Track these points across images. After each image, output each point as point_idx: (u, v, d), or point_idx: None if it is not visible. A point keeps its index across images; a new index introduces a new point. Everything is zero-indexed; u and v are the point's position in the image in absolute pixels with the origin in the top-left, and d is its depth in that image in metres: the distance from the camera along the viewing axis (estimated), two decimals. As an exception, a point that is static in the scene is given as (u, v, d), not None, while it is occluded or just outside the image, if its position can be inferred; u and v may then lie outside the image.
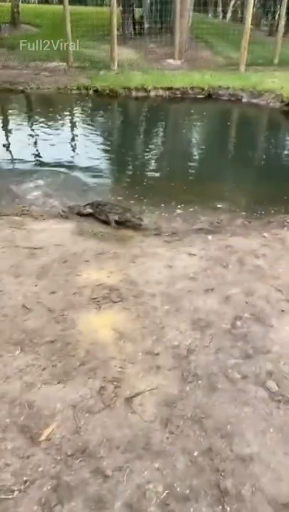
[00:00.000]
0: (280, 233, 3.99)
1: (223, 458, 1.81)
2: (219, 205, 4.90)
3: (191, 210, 4.75)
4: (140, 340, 2.48)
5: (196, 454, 1.82)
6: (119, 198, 5.01)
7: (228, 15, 28.65)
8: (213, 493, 1.67)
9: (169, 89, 10.16)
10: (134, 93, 10.05)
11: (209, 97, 10.20)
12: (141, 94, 10.08)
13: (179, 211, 4.75)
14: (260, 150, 7.60)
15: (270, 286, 3.06)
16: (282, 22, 13.24)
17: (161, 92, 10.15)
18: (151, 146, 7.31)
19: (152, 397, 2.09)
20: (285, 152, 7.56)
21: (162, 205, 4.84)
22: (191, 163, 6.43)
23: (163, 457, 1.79)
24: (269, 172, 6.46)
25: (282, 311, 2.80)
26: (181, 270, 3.23)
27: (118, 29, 13.09)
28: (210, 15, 26.62)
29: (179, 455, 1.81)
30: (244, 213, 4.68)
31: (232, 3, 28.85)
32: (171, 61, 12.64)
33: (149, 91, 10.10)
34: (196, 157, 6.86)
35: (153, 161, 6.50)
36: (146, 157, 6.72)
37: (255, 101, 9.91)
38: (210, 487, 1.69)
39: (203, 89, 10.20)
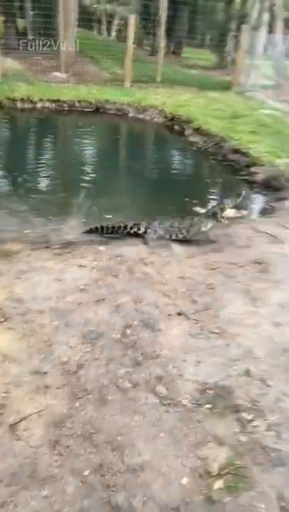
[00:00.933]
0: (165, 242, 4.13)
1: (114, 472, 1.77)
2: (109, 216, 4.93)
3: (83, 221, 4.71)
4: (26, 360, 2.34)
5: (86, 473, 1.76)
6: (5, 210, 4.75)
7: (113, 33, 29.56)
8: (105, 511, 1.61)
9: (56, 101, 10.03)
10: (19, 104, 9.72)
11: (97, 110, 10.31)
12: (27, 105, 9.79)
13: (70, 223, 4.67)
14: (146, 162, 7.89)
15: (157, 291, 3.14)
16: (161, 43, 14.04)
17: (48, 104, 9.98)
18: (38, 159, 7.11)
19: (40, 420, 1.97)
20: (170, 164, 7.95)
21: (51, 217, 4.71)
22: (79, 176, 6.38)
23: (51, 483, 1.69)
24: (155, 183, 6.73)
25: (170, 315, 2.89)
26: (71, 283, 3.15)
27: (1, 39, 12.56)
28: (95, 31, 27.19)
29: (68, 477, 1.72)
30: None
31: (116, 22, 29.85)
32: (57, 74, 12.52)
33: (36, 102, 9.86)
34: (85, 169, 6.84)
35: (40, 174, 6.31)
36: (33, 169, 6.51)
37: (140, 116, 10.29)
38: (101, 506, 1.63)
39: (90, 103, 10.28)
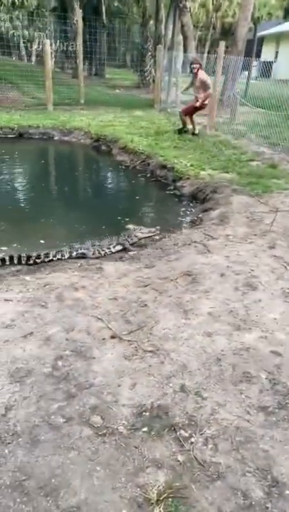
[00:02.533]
0: (97, 263, 4.10)
1: (48, 519, 1.66)
2: (41, 241, 4.81)
3: (10, 249, 4.55)
4: None
5: (17, 526, 1.63)
6: None
7: (33, 58, 29.50)
8: None
9: (-24, 129, 9.77)
10: None
11: (20, 136, 10.16)
12: None
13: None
14: (75, 184, 7.86)
15: (90, 316, 3.07)
16: (81, 66, 14.23)
17: None
18: None
19: None
20: (99, 184, 7.98)
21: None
22: (5, 204, 6.19)
23: None
24: (86, 204, 6.71)
25: (103, 339, 2.83)
26: (-4, 319, 2.99)
27: None
28: (14, 57, 26.97)
29: (-3, 535, 1.59)
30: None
31: (34, 47, 29.84)
32: (-24, 102, 12.23)
33: None
34: (11, 197, 6.65)
35: None
36: None
37: (66, 138, 10.28)
38: None
39: (12, 129, 10.11)
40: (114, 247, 4.62)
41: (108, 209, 6.37)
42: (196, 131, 10.05)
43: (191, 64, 9.85)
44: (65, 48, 23.49)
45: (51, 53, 12.69)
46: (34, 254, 4.24)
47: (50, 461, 1.91)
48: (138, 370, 2.56)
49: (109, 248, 4.58)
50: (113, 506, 1.73)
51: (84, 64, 15.52)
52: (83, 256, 4.41)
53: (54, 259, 4.32)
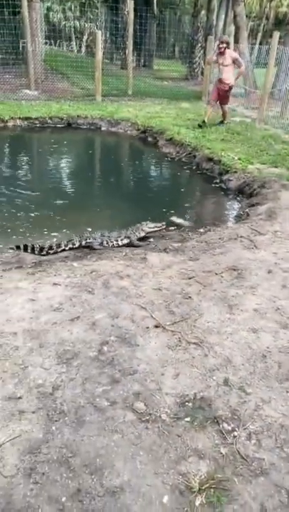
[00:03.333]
0: (141, 253, 4.12)
1: (92, 496, 1.72)
2: (88, 229, 4.90)
3: (60, 237, 4.67)
4: (0, 385, 2.27)
5: (64, 499, 1.70)
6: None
7: (83, 49, 29.85)
8: (83, 538, 1.56)
9: (27, 119, 10.02)
10: (-11, 124, 9.68)
11: (69, 126, 10.34)
12: (-2, 124, 9.76)
13: (44, 240, 4.63)
14: (121, 174, 7.92)
15: (134, 305, 3.10)
16: (130, 57, 14.23)
17: (19, 122, 9.96)
18: (10, 176, 7.03)
19: (14, 448, 1.90)
20: (145, 175, 7.99)
21: (26, 235, 4.66)
22: (55, 192, 6.35)
23: (26, 514, 1.63)
24: (131, 195, 6.75)
25: (147, 327, 2.86)
26: (45, 302, 3.08)
27: None
28: (65, 48, 27.38)
29: (45, 506, 1.66)
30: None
31: (85, 38, 30.16)
32: (27, 91, 12.53)
33: (6, 121, 9.82)
34: (60, 185, 6.80)
35: (14, 192, 6.23)
36: (6, 188, 6.44)
37: (113, 129, 10.35)
38: (79, 533, 1.57)
39: (62, 119, 10.31)
40: (121, 240, 4.64)
41: (153, 200, 6.39)
42: (226, 121, 9.92)
43: (219, 42, 9.21)
44: (114, 39, 23.64)
45: (101, 44, 12.75)
46: (47, 245, 4.31)
47: (95, 442, 1.97)
48: (181, 360, 2.57)
49: (116, 240, 4.61)
50: (155, 490, 1.76)
51: (133, 55, 15.53)
52: (90, 246, 4.48)
53: (66, 248, 4.38)
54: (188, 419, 2.14)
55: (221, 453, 1.96)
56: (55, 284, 3.35)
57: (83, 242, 4.50)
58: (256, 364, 2.55)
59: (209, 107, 9.75)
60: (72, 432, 2.01)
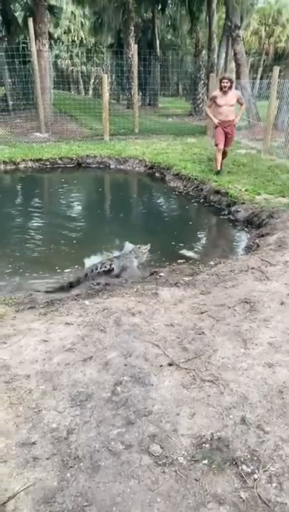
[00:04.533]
0: (153, 288, 4.13)
1: None
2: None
3: (70, 275, 4.73)
4: (14, 431, 2.25)
5: None
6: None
7: (90, 91, 31.13)
8: None
9: (38, 160, 10.38)
10: (2, 167, 10.03)
11: (79, 165, 10.66)
12: (9, 167, 10.11)
13: (55, 279, 4.69)
14: (131, 210, 8.06)
15: (147, 342, 3.09)
16: (136, 97, 14.80)
17: (30, 164, 10.31)
18: (22, 215, 7.22)
19: (28, 497, 1.86)
20: (154, 209, 8.11)
21: (37, 274, 4.73)
22: (67, 230, 6.47)
23: None
24: (141, 229, 6.83)
25: (161, 366, 2.83)
26: (58, 343, 3.09)
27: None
28: (73, 92, 28.65)
29: None
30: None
31: (92, 81, 31.53)
32: (38, 134, 13.03)
33: (18, 163, 10.18)
34: (71, 223, 6.93)
35: (26, 231, 6.38)
36: (18, 227, 6.59)
37: (122, 167, 10.62)
38: None
39: (71, 159, 10.64)
40: (100, 268, 4.75)
41: (162, 234, 6.45)
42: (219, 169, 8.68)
43: (221, 81, 8.14)
44: (120, 80, 24.64)
45: (108, 86, 13.30)
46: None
47: (111, 488, 1.92)
48: (197, 399, 2.52)
49: (97, 269, 4.71)
50: None
51: (138, 95, 16.13)
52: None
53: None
54: (205, 461, 2.08)
55: (242, 498, 1.89)
56: (67, 323, 3.36)
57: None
58: (273, 400, 2.48)
59: (218, 154, 8.56)
60: (88, 479, 1.97)
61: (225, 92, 8.07)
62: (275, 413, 2.38)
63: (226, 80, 8.06)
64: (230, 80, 8.20)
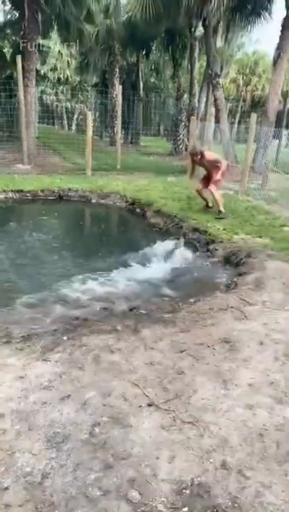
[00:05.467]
0: (132, 324, 4.11)
1: None
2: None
3: (45, 310, 4.64)
4: (-15, 475, 2.13)
5: None
6: None
7: (73, 127, 31.83)
8: None
9: (20, 191, 10.38)
10: (-18, 196, 9.99)
11: (60, 198, 10.71)
12: (-10, 197, 10.07)
13: (31, 313, 4.59)
14: (111, 245, 8.09)
15: (126, 381, 3.03)
16: (119, 135, 15.23)
17: (11, 195, 10.29)
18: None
19: None
20: (133, 244, 8.16)
21: (11, 308, 4.63)
22: (43, 263, 6.41)
23: None
24: (119, 264, 6.84)
25: (140, 406, 2.77)
26: (34, 380, 3.00)
27: None
28: (56, 126, 29.23)
29: None
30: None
31: (76, 117, 32.30)
32: (20, 166, 13.11)
33: (-1, 194, 10.17)
34: (48, 255, 6.88)
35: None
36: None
37: (103, 201, 10.74)
38: None
39: (53, 192, 10.70)
40: None
41: (142, 270, 6.47)
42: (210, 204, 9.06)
43: (191, 155, 8.88)
44: (103, 119, 25.36)
45: (91, 123, 13.67)
46: None
47: (87, 539, 1.83)
48: (176, 441, 2.47)
49: None
50: None
51: (121, 133, 16.58)
52: None
53: None
54: (186, 509, 2.02)
55: None
56: (44, 360, 3.28)
57: None
58: (254, 444, 2.46)
59: (218, 195, 8.78)
60: (63, 529, 1.87)
61: (198, 162, 8.84)
62: (256, 457, 2.35)
63: (195, 156, 8.82)
64: (198, 153, 8.78)
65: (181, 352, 3.52)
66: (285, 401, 2.86)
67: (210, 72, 16.86)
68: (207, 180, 8.89)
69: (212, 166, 8.69)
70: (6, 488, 2.06)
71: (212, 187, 8.72)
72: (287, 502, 2.07)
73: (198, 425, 2.60)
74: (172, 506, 2.03)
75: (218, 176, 8.64)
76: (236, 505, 2.05)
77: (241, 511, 2.01)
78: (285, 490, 2.15)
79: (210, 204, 9.09)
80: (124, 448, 2.38)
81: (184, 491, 2.13)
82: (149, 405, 2.78)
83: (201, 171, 9.36)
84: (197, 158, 8.75)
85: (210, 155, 8.95)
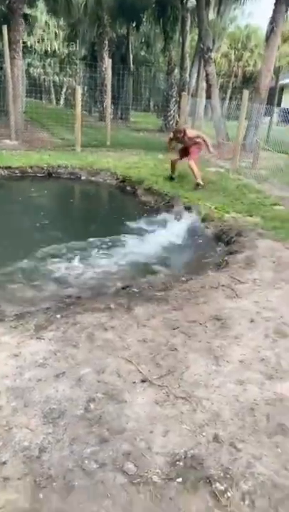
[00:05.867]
0: (125, 303, 4.14)
1: None
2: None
3: (39, 287, 4.65)
4: (-17, 450, 2.17)
5: None
6: None
7: (61, 101, 31.06)
8: None
9: (7, 168, 10.19)
10: None
11: (49, 175, 10.55)
12: (-23, 173, 9.88)
13: (23, 291, 4.59)
14: (102, 222, 8.05)
15: (120, 358, 3.08)
16: (108, 110, 14.93)
17: (-1, 171, 10.12)
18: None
19: (-1, 520, 1.80)
20: (123, 222, 8.14)
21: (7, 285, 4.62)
22: (33, 241, 6.37)
23: None
24: (113, 241, 6.82)
25: (134, 382, 2.83)
26: (29, 358, 3.03)
27: None
28: (44, 101, 28.52)
29: None
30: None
31: (64, 91, 31.49)
32: (7, 141, 12.83)
33: (-14, 170, 9.97)
34: (38, 234, 6.83)
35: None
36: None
37: (93, 178, 10.62)
38: None
39: (42, 168, 10.53)
40: None
41: (133, 248, 6.47)
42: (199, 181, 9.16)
43: (175, 133, 9.17)
44: (92, 93, 24.76)
45: (80, 98, 13.33)
46: None
47: (85, 509, 1.89)
48: (170, 416, 2.53)
49: None
50: None
51: (110, 108, 16.25)
52: None
53: None
54: (180, 480, 2.09)
55: (216, 516, 1.91)
56: (38, 338, 3.30)
57: None
58: (245, 418, 2.54)
59: (196, 169, 9.12)
60: (61, 500, 1.93)
61: (181, 139, 9.08)
62: (247, 430, 2.43)
63: (178, 134, 9.07)
64: (181, 131, 9.05)
65: (174, 329, 3.57)
66: (275, 377, 2.94)
67: (202, 46, 16.49)
68: (184, 153, 9.27)
69: (192, 142, 9.04)
70: (4, 463, 2.11)
71: (191, 161, 9.02)
72: (277, 473, 2.16)
73: (191, 400, 2.67)
74: (166, 477, 2.10)
75: (196, 152, 9.08)
76: (228, 475, 2.13)
77: (233, 481, 2.09)
78: (274, 461, 2.24)
79: (174, 176, 9.66)
80: (119, 423, 2.44)
81: (177, 463, 2.20)
82: (143, 381, 2.83)
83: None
84: (180, 136, 9.02)
85: (191, 132, 9.31)
